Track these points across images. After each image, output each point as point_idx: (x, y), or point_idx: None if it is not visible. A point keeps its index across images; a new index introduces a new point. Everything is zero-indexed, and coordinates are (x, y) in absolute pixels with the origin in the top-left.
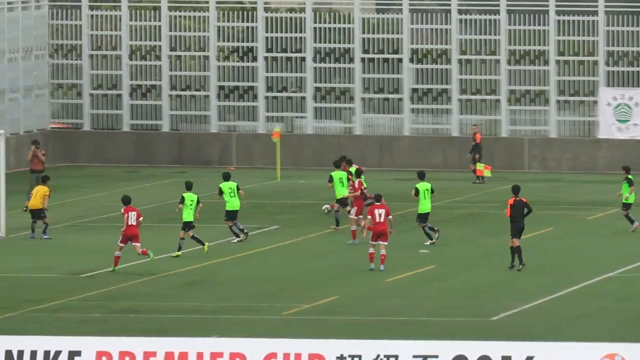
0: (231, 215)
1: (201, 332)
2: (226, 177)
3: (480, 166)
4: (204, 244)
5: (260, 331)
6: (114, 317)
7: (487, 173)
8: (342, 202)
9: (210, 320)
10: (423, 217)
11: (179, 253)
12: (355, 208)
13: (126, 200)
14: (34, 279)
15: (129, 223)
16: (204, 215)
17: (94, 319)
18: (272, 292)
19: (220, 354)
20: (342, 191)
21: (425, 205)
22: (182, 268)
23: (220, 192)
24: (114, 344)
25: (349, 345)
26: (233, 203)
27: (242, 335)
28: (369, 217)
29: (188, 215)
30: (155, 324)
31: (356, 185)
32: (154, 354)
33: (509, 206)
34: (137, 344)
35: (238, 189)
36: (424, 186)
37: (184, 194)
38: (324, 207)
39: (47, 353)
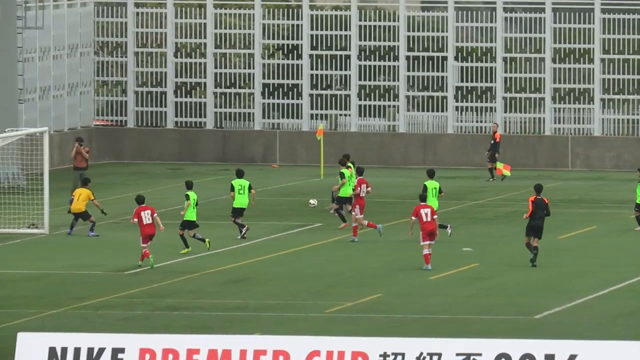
0: (237, 212)
1: (244, 329)
2: (239, 174)
3: (500, 165)
4: (204, 240)
5: (303, 329)
6: (157, 315)
7: (506, 172)
8: (347, 200)
9: (253, 318)
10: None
11: (189, 249)
12: (358, 206)
13: (140, 200)
14: (77, 276)
15: (145, 222)
16: (247, 214)
17: (138, 316)
18: (316, 289)
19: (264, 352)
20: (349, 190)
21: (432, 203)
22: (226, 265)
23: (232, 189)
24: (158, 341)
25: (392, 343)
26: (241, 200)
27: (285, 332)
28: (414, 217)
29: (191, 215)
30: (199, 322)
31: (355, 184)
32: (197, 351)
33: (530, 203)
34: (181, 341)
35: (250, 188)
36: (432, 184)
37: (188, 193)
38: (311, 202)
39: (90, 350)
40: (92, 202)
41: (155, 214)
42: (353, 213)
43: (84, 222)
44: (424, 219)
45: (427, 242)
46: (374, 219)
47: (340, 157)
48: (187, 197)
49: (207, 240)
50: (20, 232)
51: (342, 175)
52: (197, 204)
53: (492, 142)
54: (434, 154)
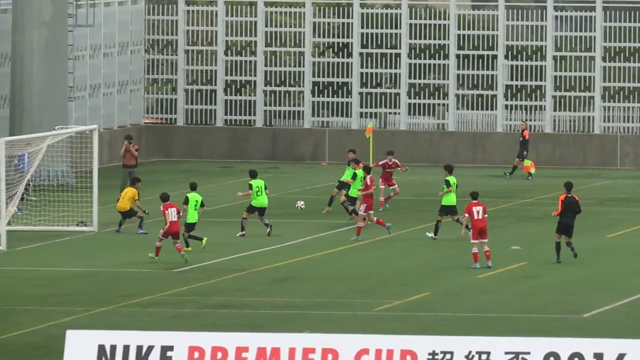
0: (253, 210)
1: (293, 327)
2: (253, 175)
3: (527, 162)
4: (201, 239)
5: (351, 327)
6: (205, 312)
7: (532, 170)
8: (353, 199)
9: (301, 316)
10: (450, 210)
11: (189, 249)
12: (365, 205)
13: (165, 197)
14: (126, 273)
15: (171, 219)
16: (288, 212)
17: (186, 314)
18: (364, 288)
19: (313, 350)
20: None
21: (452, 198)
22: (272, 264)
23: (250, 188)
24: (207, 339)
25: (441, 341)
26: (260, 200)
27: (333, 331)
28: (466, 215)
29: (192, 217)
30: (247, 320)
31: (368, 183)
32: (246, 349)
33: (560, 202)
34: (230, 339)
35: (265, 187)
36: (452, 179)
37: (188, 195)
38: (298, 204)
39: (139, 348)
40: (135, 203)
41: (180, 213)
42: (360, 211)
43: (131, 220)
44: (475, 217)
45: (477, 241)
46: (420, 218)
47: (352, 157)
48: (186, 200)
49: (204, 238)
50: (69, 229)
51: (355, 176)
52: (202, 205)
53: (521, 139)
54: (483, 152)
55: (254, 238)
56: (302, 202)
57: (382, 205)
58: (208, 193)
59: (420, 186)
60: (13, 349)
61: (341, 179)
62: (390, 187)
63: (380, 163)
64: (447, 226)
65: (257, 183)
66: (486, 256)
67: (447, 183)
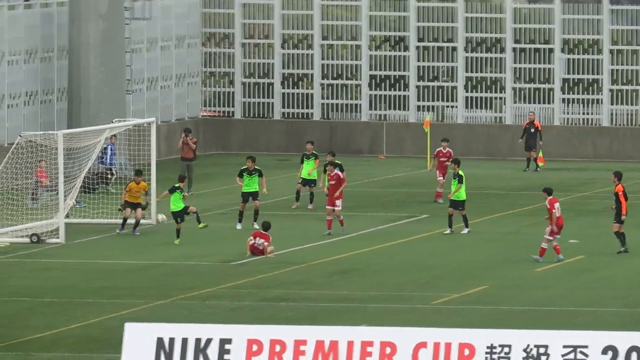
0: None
1: (351, 320)
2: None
3: (541, 153)
4: (200, 222)
5: (409, 320)
6: (264, 305)
7: (540, 164)
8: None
9: (360, 309)
10: (461, 204)
11: (177, 241)
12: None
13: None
14: (185, 266)
15: None
16: (347, 205)
17: (245, 306)
18: (422, 281)
19: (371, 343)
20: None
21: (463, 193)
22: (333, 256)
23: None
24: (265, 332)
25: (499, 335)
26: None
27: (392, 324)
28: (553, 210)
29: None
30: (306, 312)
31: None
32: (304, 342)
33: (622, 194)
34: (288, 332)
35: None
36: (464, 173)
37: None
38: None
39: (198, 340)
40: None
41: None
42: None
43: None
44: (557, 214)
45: (553, 237)
46: (479, 211)
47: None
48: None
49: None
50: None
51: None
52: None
53: (533, 130)
54: (542, 146)
55: (313, 231)
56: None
57: (438, 197)
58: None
59: (478, 179)
60: (72, 342)
61: (304, 176)
62: (445, 179)
63: (435, 153)
64: (505, 220)
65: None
66: (556, 250)
67: (462, 178)
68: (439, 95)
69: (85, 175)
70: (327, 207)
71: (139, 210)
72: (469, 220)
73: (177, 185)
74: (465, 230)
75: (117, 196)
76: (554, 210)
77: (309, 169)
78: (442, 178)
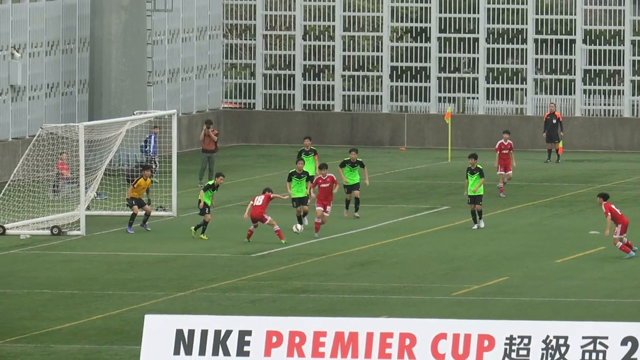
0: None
1: (371, 312)
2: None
3: (561, 144)
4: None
5: (429, 312)
6: (284, 297)
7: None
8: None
9: (380, 301)
10: (479, 199)
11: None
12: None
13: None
14: (205, 258)
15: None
16: (368, 197)
17: (265, 298)
18: (442, 272)
19: (390, 334)
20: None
21: (482, 187)
22: (353, 248)
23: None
24: (285, 324)
25: (519, 326)
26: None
27: (411, 315)
28: (609, 214)
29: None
30: (326, 304)
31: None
32: (324, 333)
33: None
34: (308, 324)
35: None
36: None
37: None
38: (296, 228)
39: (217, 332)
40: (148, 194)
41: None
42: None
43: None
44: (619, 213)
45: (621, 236)
46: (500, 203)
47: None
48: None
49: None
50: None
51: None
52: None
53: (555, 121)
54: (563, 137)
55: (333, 223)
56: (300, 227)
57: (502, 191)
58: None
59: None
60: (93, 333)
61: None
62: (505, 173)
63: (496, 146)
64: (526, 211)
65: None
66: (624, 249)
67: (482, 172)
68: (460, 86)
69: (129, 166)
70: (318, 208)
71: (147, 206)
72: (491, 212)
73: (211, 183)
74: (482, 224)
75: (157, 187)
76: (609, 214)
77: (308, 165)
78: (504, 172)
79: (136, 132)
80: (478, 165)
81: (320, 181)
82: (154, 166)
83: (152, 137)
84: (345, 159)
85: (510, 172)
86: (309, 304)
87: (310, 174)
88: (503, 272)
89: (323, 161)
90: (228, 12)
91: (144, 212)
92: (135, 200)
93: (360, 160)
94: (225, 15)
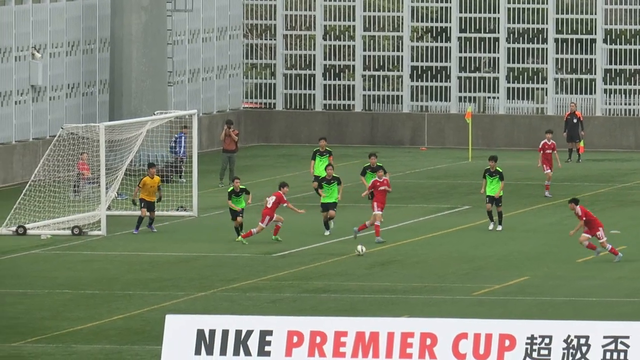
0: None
1: (392, 312)
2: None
3: (582, 143)
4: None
5: (450, 311)
6: (305, 297)
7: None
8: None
9: (401, 300)
10: (500, 200)
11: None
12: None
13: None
14: (226, 258)
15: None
16: (389, 197)
17: (286, 298)
18: (463, 272)
19: (411, 334)
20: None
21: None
22: (374, 248)
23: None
24: (306, 324)
25: (540, 325)
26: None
27: (432, 315)
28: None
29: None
30: (347, 304)
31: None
32: (344, 333)
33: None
34: (329, 324)
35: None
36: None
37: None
38: (358, 250)
39: (238, 332)
40: (159, 192)
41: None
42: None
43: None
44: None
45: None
46: (521, 202)
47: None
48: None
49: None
50: (169, 214)
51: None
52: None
53: (576, 121)
54: (584, 136)
55: (354, 223)
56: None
57: (548, 189)
58: (307, 178)
59: (520, 170)
60: (113, 333)
61: (317, 174)
62: (546, 172)
63: (540, 146)
64: (546, 211)
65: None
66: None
67: (502, 175)
68: (481, 86)
69: (160, 166)
70: (378, 212)
71: (152, 212)
72: (513, 211)
73: (230, 189)
74: (499, 228)
75: (179, 187)
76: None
77: (323, 166)
78: (549, 171)
79: (157, 132)
80: (498, 168)
81: (378, 184)
82: (183, 167)
83: (182, 137)
84: (365, 165)
85: (551, 171)
86: (330, 303)
87: (327, 176)
88: (524, 272)
89: (342, 161)
90: (248, 12)
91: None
92: (144, 202)
93: (380, 165)
94: (246, 15)
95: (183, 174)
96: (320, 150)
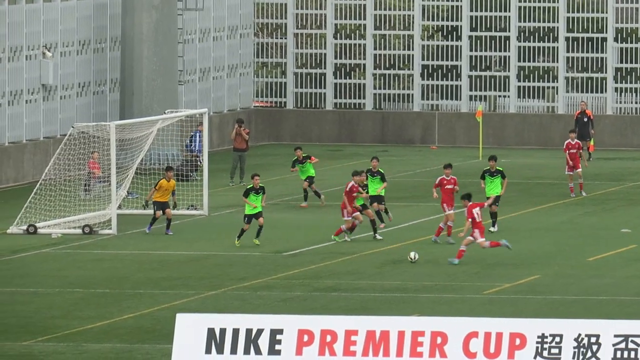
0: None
1: (402, 310)
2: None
3: (593, 142)
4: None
5: (461, 310)
6: (316, 296)
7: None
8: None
9: (411, 299)
10: (498, 200)
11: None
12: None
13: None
14: (236, 257)
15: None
16: (399, 195)
17: (296, 297)
18: (473, 271)
19: (422, 333)
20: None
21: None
22: (384, 247)
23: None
24: (316, 322)
25: (550, 324)
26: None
27: (443, 314)
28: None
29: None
30: (357, 303)
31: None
32: (355, 332)
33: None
34: (339, 323)
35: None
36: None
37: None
38: (411, 256)
39: (249, 331)
40: (172, 197)
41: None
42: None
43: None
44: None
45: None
46: (531, 201)
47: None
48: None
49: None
50: (180, 213)
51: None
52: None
53: (586, 119)
54: (594, 135)
55: (364, 223)
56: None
57: (572, 191)
58: (318, 177)
59: (530, 169)
60: (124, 332)
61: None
62: (575, 172)
63: (564, 146)
64: (557, 209)
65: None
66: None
67: (503, 174)
68: (492, 84)
69: (178, 163)
70: (450, 212)
71: (168, 210)
72: (523, 210)
73: (249, 186)
74: (492, 229)
75: (189, 185)
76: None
77: (305, 173)
78: (571, 172)
79: (168, 131)
80: (498, 168)
81: (445, 182)
82: (199, 163)
83: (198, 134)
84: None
85: (580, 169)
86: (341, 302)
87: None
88: (534, 271)
89: (353, 160)
90: (259, 10)
91: (164, 215)
92: (158, 204)
93: (381, 171)
94: (256, 14)
95: (199, 171)
96: (299, 159)
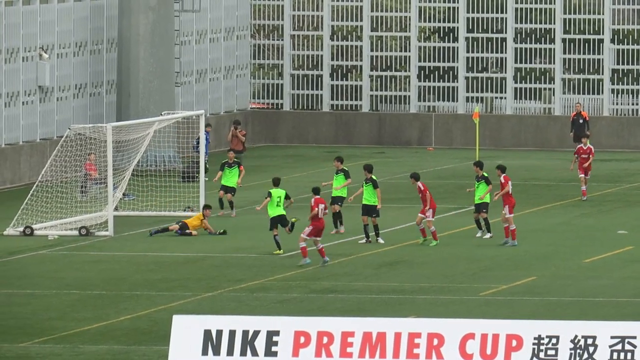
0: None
1: (399, 312)
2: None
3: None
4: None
5: (458, 311)
6: (312, 297)
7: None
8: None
9: (408, 301)
10: (486, 207)
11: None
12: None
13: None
14: (233, 258)
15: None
16: (396, 197)
17: (293, 298)
18: (470, 272)
19: (418, 335)
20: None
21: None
22: (381, 249)
23: (269, 195)
24: (313, 324)
25: (547, 326)
26: (276, 211)
27: (439, 315)
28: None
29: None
30: (354, 304)
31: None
32: (352, 334)
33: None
34: (336, 324)
35: (287, 197)
36: (277, 193)
37: (271, 190)
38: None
39: (245, 333)
40: (204, 223)
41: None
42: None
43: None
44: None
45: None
46: (528, 203)
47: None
48: (269, 194)
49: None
50: (177, 215)
51: (347, 175)
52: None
53: (582, 121)
54: (590, 136)
55: (359, 223)
56: None
57: (585, 194)
58: (314, 178)
59: (527, 170)
60: (120, 334)
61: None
62: (586, 176)
63: (575, 150)
64: (554, 210)
65: (277, 193)
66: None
67: (488, 180)
68: (488, 86)
69: (184, 165)
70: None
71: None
72: (520, 211)
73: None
74: (488, 235)
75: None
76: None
77: (233, 178)
78: (584, 175)
79: (164, 132)
80: (484, 174)
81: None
82: (206, 165)
83: (205, 136)
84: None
85: (588, 177)
86: (337, 304)
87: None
88: (531, 272)
89: (350, 161)
90: (256, 12)
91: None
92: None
93: (345, 169)
94: (253, 15)
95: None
96: (229, 162)
